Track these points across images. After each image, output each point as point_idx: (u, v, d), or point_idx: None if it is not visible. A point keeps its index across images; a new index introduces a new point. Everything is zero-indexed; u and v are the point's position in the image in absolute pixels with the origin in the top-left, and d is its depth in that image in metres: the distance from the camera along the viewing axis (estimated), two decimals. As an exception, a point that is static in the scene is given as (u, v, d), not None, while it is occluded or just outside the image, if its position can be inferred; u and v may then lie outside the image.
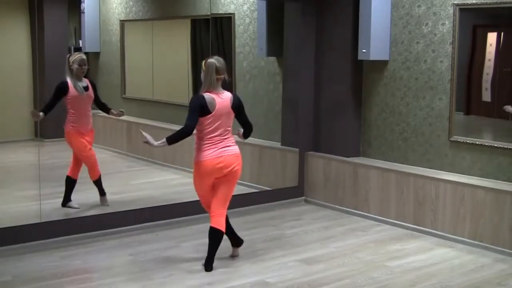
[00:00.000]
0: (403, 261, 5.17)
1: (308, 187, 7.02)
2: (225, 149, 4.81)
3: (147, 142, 4.75)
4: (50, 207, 5.81)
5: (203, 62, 4.78)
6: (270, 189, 7.00)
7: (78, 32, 7.56)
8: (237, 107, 4.84)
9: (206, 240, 5.61)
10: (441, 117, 5.94)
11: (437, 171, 5.96)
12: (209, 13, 7.40)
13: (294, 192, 7.03)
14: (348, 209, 6.56)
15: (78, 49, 7.40)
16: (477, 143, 5.71)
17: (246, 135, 5.08)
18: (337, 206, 6.69)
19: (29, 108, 7.17)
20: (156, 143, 4.71)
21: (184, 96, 8.22)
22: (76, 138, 6.09)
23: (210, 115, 4.69)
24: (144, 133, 4.76)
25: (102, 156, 7.03)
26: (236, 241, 5.17)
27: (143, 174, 7.66)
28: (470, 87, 5.92)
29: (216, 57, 4.81)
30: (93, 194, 6.35)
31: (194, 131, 4.75)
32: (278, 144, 7.21)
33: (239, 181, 7.18)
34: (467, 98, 5.96)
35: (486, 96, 5.83)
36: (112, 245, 5.46)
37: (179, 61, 8.25)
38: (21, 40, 7.22)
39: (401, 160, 6.31)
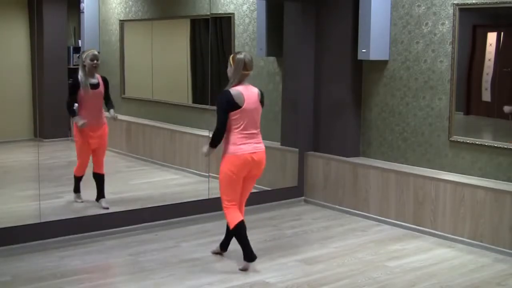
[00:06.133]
0: (403, 261, 5.17)
1: (308, 187, 7.01)
2: (257, 146, 4.83)
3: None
4: (49, 207, 5.80)
5: (231, 56, 4.77)
6: (270, 189, 6.99)
7: (77, 32, 7.56)
8: (262, 101, 4.87)
9: (206, 240, 5.63)
10: (441, 117, 5.94)
11: (437, 171, 5.95)
12: (208, 13, 7.39)
13: (294, 192, 7.03)
14: (348, 209, 6.56)
15: (77, 49, 7.40)
16: (477, 143, 5.71)
17: None
18: (337, 206, 6.68)
19: (29, 108, 7.20)
20: (204, 150, 4.90)
21: (184, 96, 8.23)
22: (82, 135, 6.10)
23: (239, 109, 4.69)
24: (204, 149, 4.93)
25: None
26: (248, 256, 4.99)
27: (143, 174, 7.66)
28: (470, 87, 5.92)
29: (244, 52, 4.82)
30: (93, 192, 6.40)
31: (227, 127, 4.77)
32: (278, 144, 7.21)
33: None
34: (467, 98, 5.96)
35: (486, 96, 5.82)
36: (112, 245, 5.46)
37: (178, 61, 8.25)
38: (21, 40, 7.21)
39: (401, 160, 6.31)
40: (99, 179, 6.29)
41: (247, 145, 4.77)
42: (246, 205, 6.49)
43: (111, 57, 8.05)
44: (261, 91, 4.90)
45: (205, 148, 4.87)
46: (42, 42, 7.06)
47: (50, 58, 7.08)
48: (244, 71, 4.73)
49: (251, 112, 4.76)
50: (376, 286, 4.63)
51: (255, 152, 4.80)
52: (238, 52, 4.81)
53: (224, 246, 5.19)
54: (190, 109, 8.07)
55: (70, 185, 6.48)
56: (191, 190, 6.97)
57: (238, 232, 4.84)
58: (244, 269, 4.86)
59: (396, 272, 4.91)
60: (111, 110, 6.26)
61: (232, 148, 4.75)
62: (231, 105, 4.67)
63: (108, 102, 6.26)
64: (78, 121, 5.99)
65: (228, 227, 5.02)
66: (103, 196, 6.24)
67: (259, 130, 4.88)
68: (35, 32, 6.92)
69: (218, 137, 4.74)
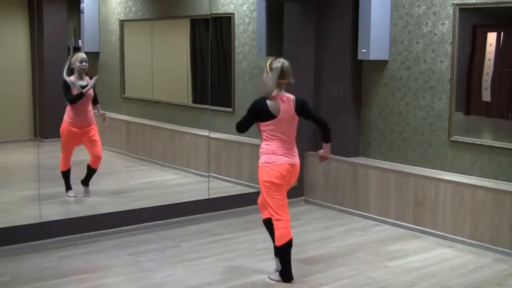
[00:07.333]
0: (403, 261, 5.17)
1: (308, 187, 7.01)
2: (294, 156, 4.61)
3: None
4: (49, 207, 5.80)
5: (268, 62, 4.58)
6: (269, 189, 6.98)
7: (77, 32, 7.57)
8: (301, 108, 4.64)
9: (206, 240, 5.63)
10: (441, 117, 5.94)
11: (437, 171, 5.95)
12: (208, 13, 7.39)
13: (294, 192, 7.00)
14: (348, 209, 6.56)
15: (77, 49, 7.41)
16: (477, 143, 5.71)
17: (325, 137, 4.79)
18: (337, 206, 6.68)
19: (29, 108, 7.21)
20: None
21: (184, 96, 8.23)
22: (68, 132, 6.29)
23: (275, 119, 4.51)
24: None
25: (102, 156, 7.00)
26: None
27: (143, 174, 7.66)
28: (470, 87, 5.92)
29: (282, 59, 4.59)
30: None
31: (262, 137, 4.58)
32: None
33: (238, 180, 7.25)
34: (467, 98, 5.96)
35: (486, 96, 5.82)
36: (112, 245, 5.45)
37: (178, 61, 8.25)
38: (21, 40, 7.22)
39: (401, 160, 6.31)
40: (91, 171, 6.50)
41: (283, 156, 4.56)
42: (246, 205, 6.54)
43: (111, 57, 8.06)
44: (299, 97, 4.69)
45: None
46: (42, 42, 7.06)
47: (50, 58, 7.09)
48: (280, 80, 4.55)
49: (286, 123, 4.56)
50: (376, 286, 4.62)
51: (293, 164, 4.60)
52: (275, 59, 4.60)
53: (284, 275, 4.73)
54: (190, 109, 8.07)
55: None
56: (191, 190, 6.97)
57: (283, 251, 4.64)
58: (273, 279, 4.74)
59: (396, 272, 4.91)
60: (98, 106, 6.52)
61: (267, 158, 4.55)
62: (264, 114, 4.50)
63: (94, 99, 6.47)
64: (88, 87, 6.20)
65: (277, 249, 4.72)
66: (87, 185, 6.48)
67: (295, 142, 4.66)
68: (35, 32, 6.92)
69: (239, 130, 4.61)
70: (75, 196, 6.40)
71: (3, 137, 7.12)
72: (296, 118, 4.63)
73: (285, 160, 4.55)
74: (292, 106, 4.60)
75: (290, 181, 4.67)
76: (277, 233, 4.63)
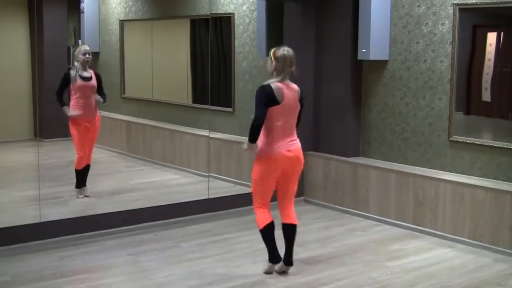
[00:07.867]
0: (403, 261, 5.17)
1: (308, 187, 7.01)
2: (292, 143, 4.65)
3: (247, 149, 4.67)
4: (49, 207, 5.80)
5: (272, 51, 4.59)
6: (269, 189, 6.98)
7: (77, 32, 7.57)
8: (301, 100, 4.70)
9: (206, 240, 5.63)
10: (441, 117, 5.94)
11: (437, 171, 5.95)
12: (208, 13, 7.39)
13: (294, 192, 7.01)
14: (348, 209, 6.56)
15: (77, 49, 7.40)
16: (477, 143, 5.71)
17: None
18: (337, 206, 6.68)
19: (29, 108, 7.21)
20: (245, 148, 4.64)
21: (184, 96, 8.23)
22: (77, 129, 6.31)
23: (279, 105, 4.53)
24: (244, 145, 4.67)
25: (102, 156, 7.01)
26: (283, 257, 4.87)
27: (143, 174, 7.66)
28: (470, 87, 5.92)
29: (286, 48, 4.61)
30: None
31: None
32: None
33: (238, 180, 7.24)
34: (467, 98, 5.96)
35: (486, 96, 5.82)
36: (112, 245, 5.45)
37: (178, 61, 8.25)
38: (21, 40, 7.22)
39: (401, 160, 6.31)
40: (85, 168, 6.47)
41: (283, 144, 4.60)
42: (246, 205, 6.52)
43: (111, 57, 8.06)
44: (300, 90, 4.72)
45: (245, 144, 4.62)
46: (42, 42, 7.06)
47: (50, 58, 7.09)
48: (289, 68, 4.59)
49: (289, 110, 4.60)
50: (376, 286, 4.63)
51: (290, 150, 4.62)
52: (279, 48, 4.61)
53: (272, 257, 4.84)
54: (190, 109, 8.07)
55: (70, 185, 6.50)
56: (191, 190, 6.97)
57: (265, 233, 4.74)
58: (269, 272, 4.80)
59: (396, 272, 4.91)
60: (101, 98, 6.45)
61: (267, 148, 4.60)
62: (270, 100, 4.51)
63: (101, 94, 6.47)
64: (66, 111, 6.24)
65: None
66: (85, 185, 6.48)
67: (295, 127, 4.70)
68: (35, 32, 6.92)
69: (256, 130, 4.51)
70: (83, 197, 6.40)
71: (3, 137, 7.12)
72: (298, 107, 4.69)
73: (283, 147, 4.60)
74: (296, 95, 4.66)
75: (292, 166, 4.67)
76: (258, 216, 4.75)
